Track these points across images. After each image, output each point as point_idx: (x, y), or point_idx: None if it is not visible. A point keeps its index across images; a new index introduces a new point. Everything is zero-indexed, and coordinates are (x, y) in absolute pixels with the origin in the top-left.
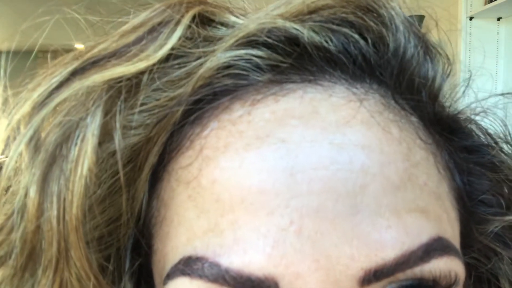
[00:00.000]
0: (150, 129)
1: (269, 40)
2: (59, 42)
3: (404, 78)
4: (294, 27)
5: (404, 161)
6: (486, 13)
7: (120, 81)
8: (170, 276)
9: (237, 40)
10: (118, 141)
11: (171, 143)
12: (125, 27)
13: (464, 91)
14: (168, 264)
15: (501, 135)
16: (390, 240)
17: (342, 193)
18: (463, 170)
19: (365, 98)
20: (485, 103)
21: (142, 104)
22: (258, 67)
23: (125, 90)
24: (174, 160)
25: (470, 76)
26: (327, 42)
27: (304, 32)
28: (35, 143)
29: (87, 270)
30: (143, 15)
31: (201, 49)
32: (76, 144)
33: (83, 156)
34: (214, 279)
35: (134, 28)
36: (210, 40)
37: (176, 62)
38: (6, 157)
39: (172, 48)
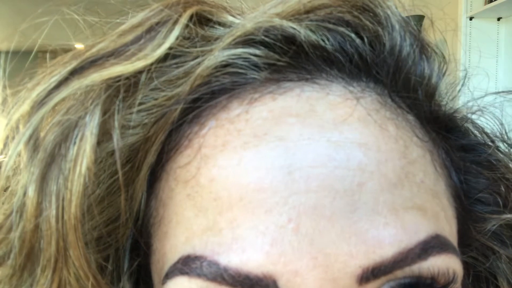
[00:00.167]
0: (149, 128)
1: (266, 39)
2: (59, 42)
3: (400, 76)
4: (291, 26)
5: (401, 159)
6: (486, 13)
7: (119, 80)
8: (169, 275)
9: (234, 39)
10: (116, 140)
11: (170, 142)
12: (124, 27)
13: (460, 90)
14: (166, 264)
15: (498, 134)
16: (388, 237)
17: (340, 190)
18: (460, 168)
19: (361, 96)
20: (481, 102)
21: (140, 104)
22: (255, 66)
23: (123, 89)
24: (172, 159)
25: (466, 75)
26: (323, 41)
27: (301, 31)
28: (34, 142)
29: (85, 269)
30: (141, 15)
31: (198, 48)
32: (74, 143)
33: (82, 155)
34: (212, 278)
35: (132, 28)
36: (207, 40)
37: (174, 61)
38: (5, 156)
39: (170, 48)
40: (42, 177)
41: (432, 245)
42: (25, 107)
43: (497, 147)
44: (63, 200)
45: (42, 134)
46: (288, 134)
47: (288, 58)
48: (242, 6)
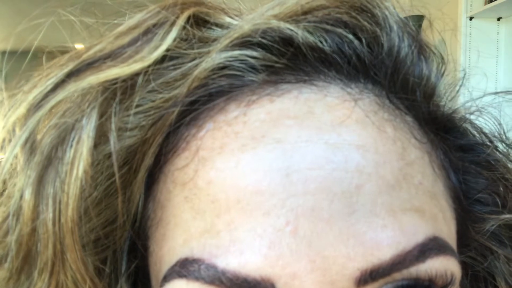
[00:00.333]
0: (146, 130)
1: (264, 41)
2: (58, 43)
3: (398, 77)
4: (289, 28)
5: (399, 161)
6: (486, 13)
7: (115, 83)
8: (166, 278)
9: (231, 41)
10: (113, 143)
11: (167, 144)
12: (120, 29)
13: (458, 91)
14: (164, 266)
15: (496, 134)
16: (386, 240)
17: (338, 193)
18: (459, 169)
19: (359, 98)
20: (480, 102)
21: (137, 106)
22: (253, 68)
23: (120, 92)
24: (170, 161)
25: (465, 75)
26: (321, 42)
27: (299, 33)
28: (30, 145)
29: (83, 272)
30: (137, 17)
31: (196, 50)
32: (71, 146)
33: (79, 158)
34: (210, 281)
35: (129, 30)
36: (205, 41)
37: (171, 63)
38: (1, 159)
39: (167, 50)
40: (39, 180)
41: (430, 247)
42: (22, 110)
43: (496, 147)
44: (60, 203)
45: (39, 137)
46: (286, 136)
47: (285, 60)
48: (240, 7)
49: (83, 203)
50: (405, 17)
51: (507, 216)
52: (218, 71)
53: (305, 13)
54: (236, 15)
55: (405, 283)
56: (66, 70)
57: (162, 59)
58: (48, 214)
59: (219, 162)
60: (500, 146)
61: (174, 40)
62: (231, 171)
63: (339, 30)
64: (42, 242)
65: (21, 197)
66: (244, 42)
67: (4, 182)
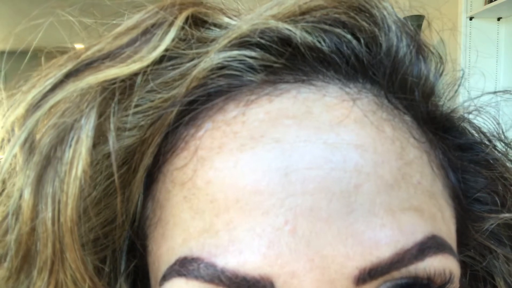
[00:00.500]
0: (145, 130)
1: (262, 41)
2: (59, 43)
3: (397, 77)
4: (287, 28)
5: (398, 160)
6: (486, 13)
7: (114, 83)
8: (166, 277)
9: (230, 41)
10: (112, 143)
11: (166, 144)
12: (119, 29)
13: (457, 90)
14: (163, 265)
15: (495, 133)
16: (384, 239)
17: (336, 192)
18: (458, 168)
19: (358, 98)
20: (478, 101)
21: (136, 106)
22: (251, 68)
23: (119, 92)
24: (169, 161)
25: (463, 75)
26: (319, 42)
27: (297, 33)
28: (29, 145)
29: (82, 272)
30: (136, 17)
31: (194, 50)
32: (70, 146)
33: (78, 158)
34: (210, 280)
35: (128, 30)
36: (203, 41)
37: (170, 63)
38: (0, 159)
39: (166, 50)
40: (38, 179)
41: (429, 246)
42: (20, 110)
43: (495, 146)
44: (59, 202)
45: (38, 137)
46: (284, 136)
47: (284, 60)
48: (238, 7)
49: (82, 202)
50: (405, 17)
51: (506, 215)
52: (216, 71)
53: (303, 13)
54: (235, 15)
55: (404, 281)
56: (65, 70)
57: (161, 59)
58: (47, 214)
59: (218, 162)
60: (499, 145)
61: (173, 40)
62: (230, 171)
63: (338, 30)
64: (42, 241)
65: (21, 196)
66: (242, 42)
67: (3, 181)
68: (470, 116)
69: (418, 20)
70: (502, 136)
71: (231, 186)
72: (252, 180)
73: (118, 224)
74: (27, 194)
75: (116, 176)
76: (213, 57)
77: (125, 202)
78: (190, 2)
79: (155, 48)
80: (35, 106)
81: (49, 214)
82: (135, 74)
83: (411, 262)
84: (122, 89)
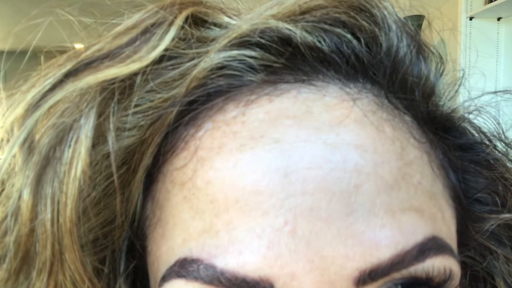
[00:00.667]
0: (144, 130)
1: (262, 41)
2: (59, 42)
3: (397, 77)
4: (287, 27)
5: (398, 160)
6: (486, 13)
7: (114, 83)
8: (165, 278)
9: (230, 41)
10: (111, 143)
11: (166, 144)
12: (119, 29)
13: (457, 90)
14: (163, 266)
15: (495, 133)
16: (384, 239)
17: (336, 192)
18: (458, 168)
19: (358, 98)
20: (478, 101)
21: (136, 106)
22: (251, 68)
23: (118, 92)
24: (169, 161)
25: (463, 75)
26: (320, 42)
27: (297, 32)
28: (28, 145)
29: (81, 273)
30: (136, 17)
31: (194, 50)
32: (69, 146)
33: (77, 158)
34: (209, 281)
35: (127, 30)
36: (203, 41)
37: (169, 63)
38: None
39: (166, 49)
40: (37, 180)
41: (429, 247)
42: (20, 109)
43: (495, 146)
44: (58, 203)
45: (37, 137)
46: (284, 136)
47: (284, 60)
48: (238, 7)
49: (82, 203)
50: (405, 17)
51: (507, 215)
52: (216, 71)
53: (303, 13)
54: (235, 15)
55: (405, 281)
56: (64, 70)
57: (161, 59)
58: (46, 214)
59: (217, 162)
60: (499, 146)
61: (173, 40)
62: (230, 171)
63: (338, 30)
64: (41, 242)
65: (20, 197)
66: (242, 42)
67: (2, 182)
68: (471, 116)
69: (418, 20)
70: (503, 136)
71: (231, 186)
72: (251, 181)
73: (118, 224)
74: (26, 195)
75: (115, 176)
76: (213, 57)
77: (124, 202)
78: (190, 1)
79: (154, 47)
80: (34, 106)
81: (49, 215)
82: (135, 74)
83: (411, 263)
84: (122, 89)
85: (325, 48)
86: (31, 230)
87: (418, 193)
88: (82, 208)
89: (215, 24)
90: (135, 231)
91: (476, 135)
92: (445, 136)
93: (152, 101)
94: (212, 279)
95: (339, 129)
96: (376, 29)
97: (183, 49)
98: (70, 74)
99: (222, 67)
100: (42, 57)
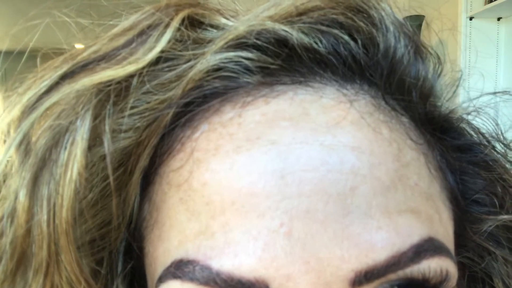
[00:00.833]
0: (141, 132)
1: (258, 42)
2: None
3: (394, 78)
4: (283, 29)
5: (395, 162)
6: (486, 13)
7: (110, 85)
8: (162, 279)
9: (226, 42)
10: (107, 145)
11: (162, 146)
12: (115, 30)
13: (455, 91)
14: (159, 267)
15: (494, 134)
16: (380, 241)
17: (333, 194)
18: (456, 169)
19: (355, 99)
20: (477, 102)
21: (132, 107)
22: (247, 69)
23: (114, 94)
24: (165, 163)
25: (462, 75)
26: (316, 43)
27: (293, 34)
28: (25, 147)
29: (77, 274)
30: (132, 18)
31: (191, 52)
32: (65, 148)
33: (73, 160)
34: (205, 282)
35: (124, 31)
36: (200, 43)
37: (166, 65)
38: None
39: (162, 51)
40: (33, 181)
41: (426, 249)
42: (16, 111)
43: (494, 147)
44: (54, 205)
45: (34, 139)
46: (281, 138)
47: (280, 61)
48: (236, 8)
49: (79, 204)
50: (404, 18)
51: (505, 217)
52: (213, 72)
53: (300, 14)
54: (232, 16)
55: (401, 283)
56: (60, 72)
57: (157, 60)
58: (42, 216)
59: (213, 163)
60: (498, 147)
61: (169, 41)
62: (226, 173)
63: (335, 31)
64: (37, 243)
65: (16, 198)
66: (239, 44)
67: None
68: (469, 117)
69: (418, 20)
70: (501, 137)
71: (227, 188)
72: (248, 182)
73: (115, 226)
74: (23, 196)
75: (111, 178)
76: (209, 59)
77: (121, 204)
78: (186, 3)
79: (151, 49)
80: (30, 108)
81: (44, 216)
82: (131, 75)
83: (407, 264)
84: (118, 91)
85: (321, 49)
86: (27, 231)
87: (415, 194)
88: (79, 209)
89: (211, 26)
90: (132, 232)
91: (475, 136)
92: (443, 137)
93: (148, 102)
94: (208, 280)
95: (336, 131)
96: (374, 30)
97: (180, 50)
98: (66, 76)
99: (218, 69)
100: (38, 59)
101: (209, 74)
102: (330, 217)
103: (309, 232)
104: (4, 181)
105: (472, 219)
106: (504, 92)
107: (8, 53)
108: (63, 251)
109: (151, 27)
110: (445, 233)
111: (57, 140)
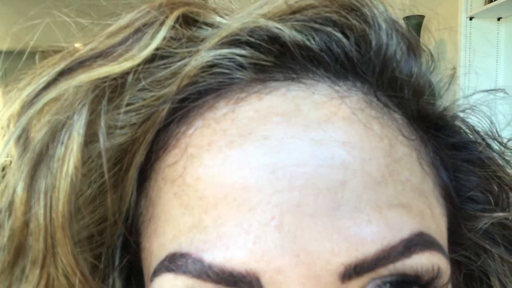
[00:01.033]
0: (136, 128)
1: (252, 39)
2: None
3: (386, 75)
4: (276, 26)
5: (386, 157)
6: (486, 13)
7: (106, 81)
8: (156, 272)
9: (220, 40)
10: (103, 141)
11: (158, 142)
12: (111, 28)
13: (448, 88)
14: (154, 261)
15: (489, 132)
16: (370, 235)
17: (323, 188)
18: (450, 166)
19: (347, 96)
20: (473, 100)
21: (128, 104)
22: (241, 66)
23: (110, 90)
24: (161, 158)
25: (455, 73)
26: (309, 40)
27: (286, 31)
28: (23, 141)
29: (73, 266)
30: (128, 16)
31: (185, 49)
32: (62, 143)
33: (69, 155)
34: (197, 275)
35: (120, 29)
36: (194, 40)
37: (161, 62)
38: None
39: (157, 49)
40: (31, 175)
41: (416, 243)
42: (16, 106)
43: (489, 145)
44: (51, 198)
45: (32, 134)
46: (272, 133)
47: (273, 58)
48: (231, 6)
49: (77, 200)
50: (405, 17)
51: (500, 214)
52: (207, 69)
53: (293, 12)
54: (227, 14)
55: (393, 279)
56: (58, 68)
57: (152, 58)
58: (39, 209)
59: (207, 159)
60: (493, 144)
61: (164, 39)
62: (219, 168)
63: (328, 29)
64: (34, 236)
65: (14, 191)
66: (232, 41)
67: None
68: (465, 115)
69: (418, 20)
70: (496, 135)
71: (219, 182)
72: (240, 177)
73: (112, 222)
74: (20, 190)
75: (106, 174)
76: (204, 56)
77: (118, 199)
78: (181, 1)
79: (146, 46)
80: (29, 103)
81: (41, 210)
82: (127, 72)
83: (397, 258)
84: (113, 88)
85: (314, 46)
86: (25, 223)
87: (406, 189)
88: (77, 205)
89: (206, 24)
90: (129, 228)
91: (470, 134)
92: (438, 134)
93: (144, 99)
94: (200, 273)
95: (327, 126)
96: (366, 28)
97: (175, 48)
98: (64, 73)
99: (212, 66)
100: (37, 57)
101: (204, 70)
102: (320, 210)
103: (299, 226)
104: (4, 175)
105: (466, 216)
106: (499, 90)
107: (8, 53)
108: (59, 243)
109: (146, 25)
110: (437, 228)
111: (54, 135)
